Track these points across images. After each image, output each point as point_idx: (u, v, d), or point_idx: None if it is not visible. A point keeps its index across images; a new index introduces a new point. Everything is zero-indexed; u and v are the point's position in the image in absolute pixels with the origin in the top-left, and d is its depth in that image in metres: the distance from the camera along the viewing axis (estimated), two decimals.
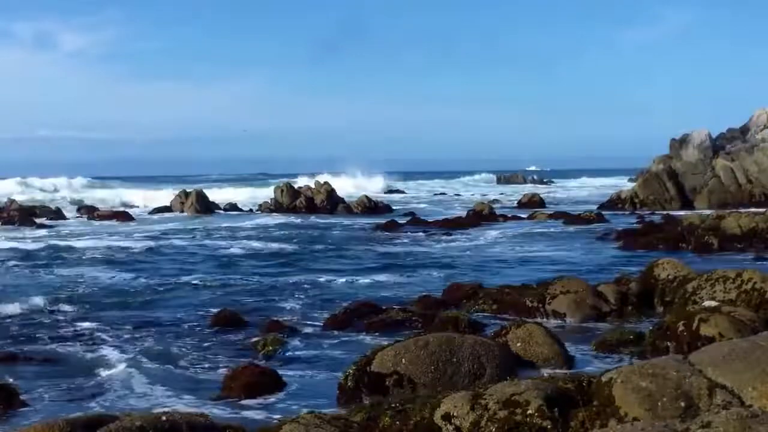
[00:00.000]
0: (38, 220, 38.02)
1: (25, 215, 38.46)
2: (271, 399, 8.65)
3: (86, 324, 12.79)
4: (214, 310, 13.33)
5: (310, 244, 26.28)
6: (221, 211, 44.19)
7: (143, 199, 52.52)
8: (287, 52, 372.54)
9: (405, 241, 26.62)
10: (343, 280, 17.58)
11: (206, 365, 10.27)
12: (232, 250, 24.27)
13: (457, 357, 8.01)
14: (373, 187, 69.29)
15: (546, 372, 8.30)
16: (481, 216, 35.18)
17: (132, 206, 49.02)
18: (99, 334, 12.11)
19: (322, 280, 17.61)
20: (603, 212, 35.77)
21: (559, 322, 11.83)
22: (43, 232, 32.95)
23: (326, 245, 25.58)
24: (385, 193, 67.63)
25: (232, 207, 45.88)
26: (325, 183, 45.76)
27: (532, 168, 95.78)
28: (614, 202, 41.51)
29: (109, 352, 10.91)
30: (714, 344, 6.57)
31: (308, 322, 12.66)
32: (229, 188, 64.25)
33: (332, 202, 44.00)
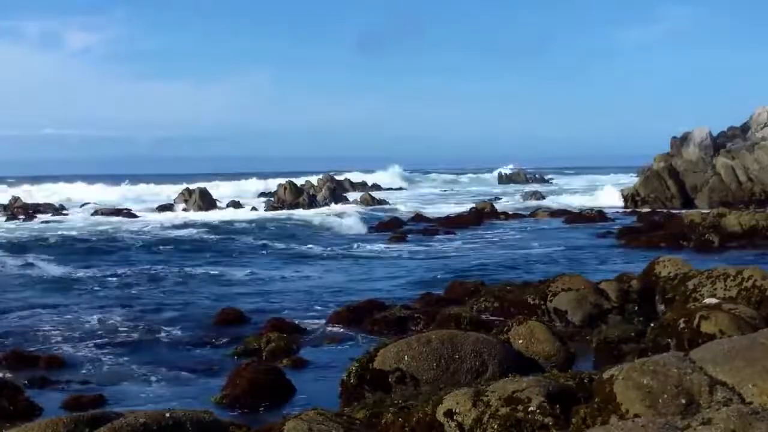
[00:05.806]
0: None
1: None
2: (274, 396, 8.69)
3: (89, 323, 12.83)
4: (217, 309, 13.36)
5: (311, 242, 26.31)
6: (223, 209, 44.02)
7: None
8: (293, 49, 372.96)
9: (407, 239, 26.62)
10: (345, 277, 17.62)
11: (210, 364, 10.31)
12: (232, 247, 24.32)
13: (460, 354, 8.03)
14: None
15: (548, 369, 8.33)
16: (483, 214, 35.18)
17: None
18: (102, 333, 12.15)
19: (324, 277, 17.65)
20: (604, 210, 35.82)
21: (561, 319, 11.85)
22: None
23: (326, 243, 25.62)
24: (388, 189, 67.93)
25: (235, 205, 45.67)
26: (328, 180, 45.72)
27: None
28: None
29: (112, 351, 10.95)
30: (715, 341, 6.59)
31: (311, 320, 12.70)
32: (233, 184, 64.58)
33: (335, 199, 44.02)
